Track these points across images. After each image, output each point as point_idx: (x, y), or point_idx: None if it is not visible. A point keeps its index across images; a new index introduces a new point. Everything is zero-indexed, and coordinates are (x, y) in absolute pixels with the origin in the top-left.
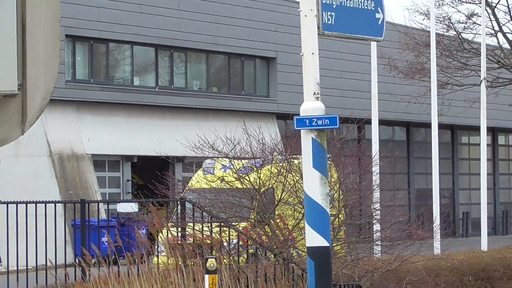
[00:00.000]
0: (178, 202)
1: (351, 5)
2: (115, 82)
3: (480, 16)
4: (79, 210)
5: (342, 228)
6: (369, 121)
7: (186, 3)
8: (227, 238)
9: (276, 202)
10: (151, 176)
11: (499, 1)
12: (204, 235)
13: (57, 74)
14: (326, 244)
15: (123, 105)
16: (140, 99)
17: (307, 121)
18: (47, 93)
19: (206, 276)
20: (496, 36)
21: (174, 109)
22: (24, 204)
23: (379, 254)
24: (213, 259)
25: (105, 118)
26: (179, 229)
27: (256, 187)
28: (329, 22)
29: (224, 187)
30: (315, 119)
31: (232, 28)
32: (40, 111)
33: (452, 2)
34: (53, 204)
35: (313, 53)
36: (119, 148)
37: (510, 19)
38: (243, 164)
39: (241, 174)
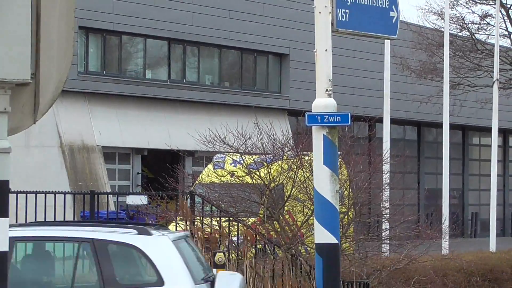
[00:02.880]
0: (188, 196)
1: (366, 3)
2: (127, 75)
3: (494, 17)
4: (89, 201)
5: (351, 225)
6: (380, 120)
7: None
8: (236, 233)
9: (285, 198)
10: (161, 169)
11: None
12: (213, 229)
13: (70, 64)
14: (334, 241)
15: (135, 98)
16: (152, 92)
17: (319, 117)
18: (60, 83)
19: (214, 270)
20: (509, 37)
21: (186, 103)
22: (34, 194)
23: (388, 253)
24: (221, 253)
25: (116, 110)
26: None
27: (266, 182)
28: (343, 19)
29: (234, 181)
30: (327, 116)
31: (245, 23)
32: (52, 101)
33: (466, 3)
34: (63, 195)
35: (326, 50)
36: (130, 141)
37: None
38: (253, 159)
39: (251, 169)
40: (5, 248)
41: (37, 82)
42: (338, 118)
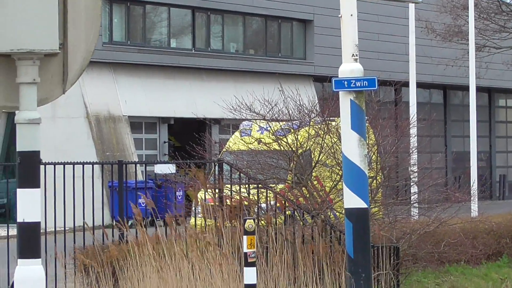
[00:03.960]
0: (216, 164)
1: None
2: (152, 44)
3: None
4: (117, 171)
5: (379, 190)
6: (406, 84)
7: None
8: (265, 200)
9: (313, 164)
10: (188, 138)
11: None
12: (242, 197)
13: (98, 34)
14: (364, 205)
15: (160, 67)
16: (177, 61)
17: (346, 82)
18: (88, 53)
19: (245, 237)
20: None
21: (211, 71)
22: (62, 166)
23: (417, 216)
24: (251, 220)
25: (141, 80)
26: (217, 190)
27: (294, 148)
28: None
29: (262, 148)
30: (354, 81)
31: None
32: (81, 71)
33: None
34: (91, 166)
35: (351, 15)
36: (156, 110)
37: None
38: (280, 126)
39: (278, 136)
40: (38, 218)
41: (65, 53)
42: (365, 83)
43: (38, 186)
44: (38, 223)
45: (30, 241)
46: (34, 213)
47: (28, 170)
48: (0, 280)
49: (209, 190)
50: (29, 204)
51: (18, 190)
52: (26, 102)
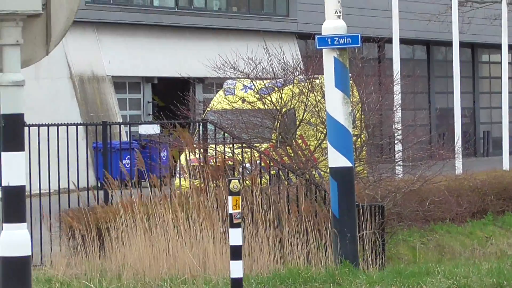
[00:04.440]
0: (200, 124)
1: None
2: (135, 3)
3: None
4: (101, 132)
5: (364, 148)
6: (389, 40)
7: None
8: (249, 159)
9: (297, 123)
10: (172, 97)
11: None
12: (226, 157)
13: None
14: (349, 164)
15: (143, 26)
16: (160, 19)
17: (329, 40)
18: (71, 12)
19: (230, 198)
20: None
21: (194, 29)
22: (46, 127)
23: (401, 175)
24: (236, 181)
25: (125, 39)
26: (201, 150)
27: (278, 107)
28: None
29: (246, 107)
30: (337, 38)
31: None
32: (64, 31)
33: None
34: (75, 127)
35: None
36: (140, 70)
37: None
38: (264, 84)
39: (262, 94)
40: (23, 182)
41: (48, 13)
42: (349, 40)
43: (23, 149)
44: (23, 187)
45: (15, 205)
46: (19, 176)
47: (12, 133)
48: None
49: (193, 151)
50: (14, 168)
51: (3, 153)
52: (9, 64)
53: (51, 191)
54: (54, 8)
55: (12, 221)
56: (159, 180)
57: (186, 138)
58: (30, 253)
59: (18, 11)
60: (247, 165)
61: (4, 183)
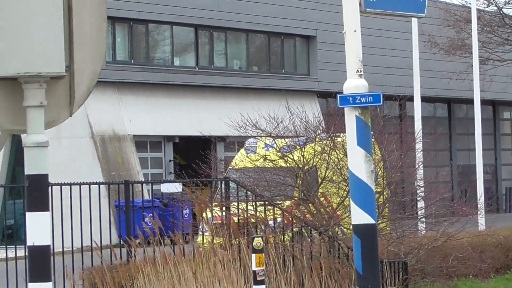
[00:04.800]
0: (222, 182)
1: None
2: (155, 63)
3: None
4: (123, 191)
5: (386, 205)
6: (411, 98)
7: None
8: (272, 217)
9: (320, 180)
10: (193, 156)
11: None
12: (249, 214)
13: (104, 55)
14: (372, 221)
15: (164, 86)
16: (181, 79)
17: (351, 98)
18: (95, 74)
19: (253, 255)
20: None
21: (215, 88)
22: (68, 186)
23: (424, 231)
24: (260, 238)
25: (146, 98)
26: (224, 208)
27: (300, 165)
28: None
29: (268, 166)
30: (359, 97)
31: (271, 7)
32: (88, 92)
33: None
34: (97, 186)
35: (355, 31)
36: (161, 129)
37: None
38: (286, 143)
39: (284, 153)
40: (48, 242)
41: (71, 75)
42: (370, 99)
43: (47, 209)
44: (49, 247)
45: (40, 265)
46: (44, 236)
47: (37, 193)
48: None
49: (215, 208)
50: (38, 228)
51: (27, 213)
52: (33, 125)
53: (73, 249)
54: (78, 70)
55: (38, 280)
56: (181, 237)
57: (205, 197)
58: None
59: (42, 73)
60: (270, 222)
61: (29, 243)
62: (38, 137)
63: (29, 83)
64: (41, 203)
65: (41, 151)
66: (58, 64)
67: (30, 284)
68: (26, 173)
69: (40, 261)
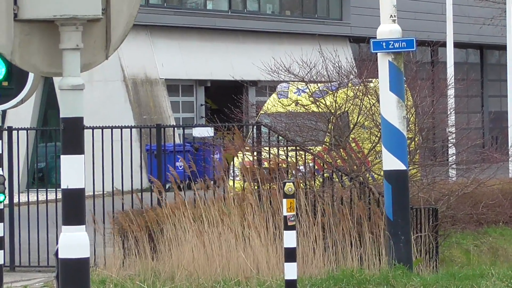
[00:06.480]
0: (254, 126)
1: None
2: (188, 6)
3: None
4: (155, 135)
5: (417, 151)
6: (443, 44)
7: None
8: (303, 162)
9: (351, 126)
10: (225, 100)
11: None
12: (280, 159)
13: None
14: (403, 167)
15: (196, 29)
16: (213, 23)
17: (384, 44)
18: (131, 17)
19: (284, 200)
20: None
21: (248, 32)
22: (100, 130)
23: (455, 178)
24: (291, 183)
25: (178, 42)
26: (255, 153)
27: (332, 110)
28: None
29: (300, 110)
30: (392, 42)
31: None
32: (124, 36)
33: None
34: (129, 129)
35: None
36: (193, 73)
37: None
38: (318, 88)
39: (316, 98)
40: (82, 185)
41: (108, 18)
42: (404, 44)
43: (82, 152)
44: (83, 189)
45: (74, 208)
46: (79, 179)
47: (72, 136)
48: (39, 245)
49: (247, 153)
50: (73, 171)
51: (62, 156)
52: (69, 68)
53: (104, 192)
54: (114, 12)
55: (72, 223)
56: (212, 181)
57: (240, 141)
58: (88, 255)
59: (78, 16)
60: (301, 167)
61: (63, 186)
62: (74, 80)
63: (66, 26)
64: (76, 146)
65: (77, 94)
66: (94, 7)
67: (64, 227)
68: (61, 116)
69: (74, 204)
